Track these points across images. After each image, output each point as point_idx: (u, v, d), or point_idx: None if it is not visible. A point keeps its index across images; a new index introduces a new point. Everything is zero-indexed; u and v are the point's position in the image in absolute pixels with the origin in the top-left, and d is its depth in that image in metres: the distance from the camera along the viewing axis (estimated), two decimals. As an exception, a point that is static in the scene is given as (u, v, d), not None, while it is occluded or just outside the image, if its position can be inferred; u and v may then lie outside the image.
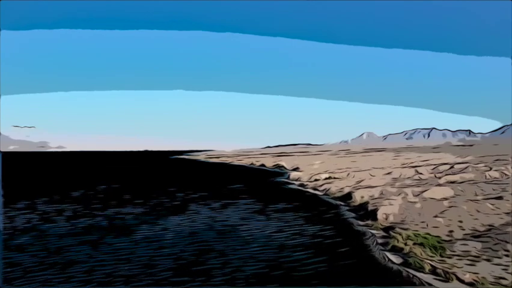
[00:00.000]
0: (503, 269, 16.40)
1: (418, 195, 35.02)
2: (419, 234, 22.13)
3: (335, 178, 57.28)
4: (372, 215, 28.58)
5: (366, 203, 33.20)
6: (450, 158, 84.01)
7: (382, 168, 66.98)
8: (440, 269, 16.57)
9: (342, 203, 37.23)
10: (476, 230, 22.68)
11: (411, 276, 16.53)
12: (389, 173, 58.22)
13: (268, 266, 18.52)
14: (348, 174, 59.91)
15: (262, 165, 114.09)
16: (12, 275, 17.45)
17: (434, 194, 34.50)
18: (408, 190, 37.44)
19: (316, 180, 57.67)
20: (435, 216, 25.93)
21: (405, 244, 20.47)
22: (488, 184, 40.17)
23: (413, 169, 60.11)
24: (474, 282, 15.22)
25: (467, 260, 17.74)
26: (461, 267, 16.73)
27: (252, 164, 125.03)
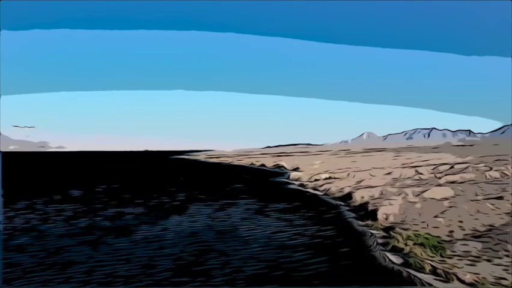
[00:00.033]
0: (503, 269, 16.35)
1: (418, 195, 34.97)
2: (419, 234, 22.08)
3: (335, 178, 57.24)
4: (373, 215, 28.53)
5: (367, 203, 33.15)
6: (450, 158, 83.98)
7: (382, 168, 66.94)
8: (440, 269, 16.53)
9: (342, 203, 37.18)
10: (477, 230, 22.64)
11: (411, 276, 16.49)
12: (389, 173, 58.18)
13: (269, 266, 18.48)
14: (348, 174, 59.86)
15: (263, 165, 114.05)
16: (12, 275, 17.40)
17: (434, 194, 34.45)
18: (408, 190, 37.39)
19: (316, 180, 57.63)
20: (436, 217, 25.89)
21: (406, 244, 20.42)
22: (489, 184, 40.13)
23: (413, 169, 60.07)
24: (475, 282, 15.18)
25: (468, 260, 17.69)
26: (462, 268, 16.69)
27: (252, 164, 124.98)
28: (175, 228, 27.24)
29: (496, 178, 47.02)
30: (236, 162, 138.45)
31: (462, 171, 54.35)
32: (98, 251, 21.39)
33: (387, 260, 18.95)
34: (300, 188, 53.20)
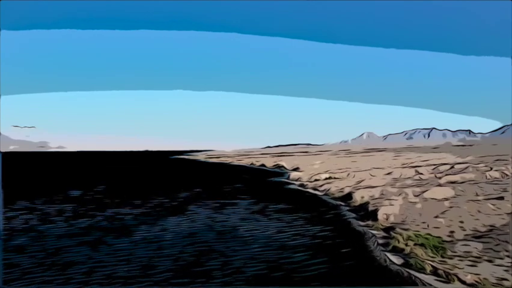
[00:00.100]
0: (505, 270, 16.29)
1: (419, 195, 34.91)
2: (420, 234, 22.02)
3: (335, 178, 57.18)
4: (373, 215, 28.47)
5: (367, 203, 33.09)
6: (450, 158, 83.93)
7: (382, 168, 66.88)
8: (441, 269, 16.46)
9: (342, 203, 37.12)
10: (477, 231, 22.57)
11: (412, 277, 16.42)
12: (389, 173, 58.13)
13: (269, 267, 18.42)
14: (348, 174, 59.80)
15: (263, 165, 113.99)
16: (11, 276, 17.34)
17: (434, 194, 34.39)
18: (408, 190, 37.33)
19: (316, 180, 57.57)
20: (436, 217, 25.82)
21: (406, 245, 20.36)
22: (489, 184, 40.07)
23: (414, 169, 60.01)
24: (475, 283, 15.12)
25: (469, 260, 17.62)
26: (463, 268, 16.62)
27: (252, 164, 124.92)
28: (175, 228, 27.18)
29: (496, 178, 46.96)
30: (236, 162, 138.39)
31: (462, 171, 54.30)
32: (97, 251, 21.33)
33: (387, 260, 18.89)
34: (300, 188, 53.14)
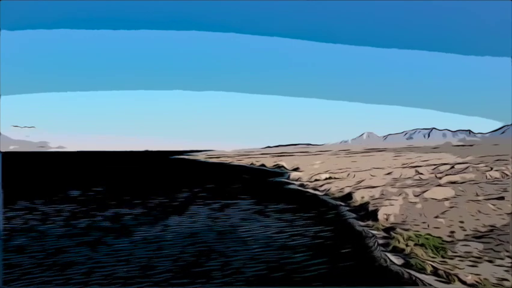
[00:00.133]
0: (505, 271, 16.24)
1: (419, 195, 34.87)
2: (420, 234, 21.97)
3: (335, 178, 57.14)
4: (373, 215, 28.43)
5: (367, 203, 33.05)
6: (450, 158, 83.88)
7: (382, 168, 66.84)
8: (441, 270, 16.42)
9: (342, 204, 37.08)
10: (478, 231, 22.53)
11: (413, 277, 16.38)
12: (389, 173, 58.08)
13: (269, 267, 18.38)
14: (349, 174, 59.77)
15: (263, 165, 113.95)
16: (11, 276, 17.30)
17: (435, 194, 34.34)
18: (408, 190, 37.29)
19: (316, 180, 57.53)
20: (437, 217, 25.78)
21: (407, 245, 20.32)
22: (489, 184, 40.03)
23: (414, 169, 59.97)
24: (476, 283, 15.08)
25: (469, 261, 17.58)
26: (463, 269, 16.57)
27: (252, 164, 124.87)
28: (175, 228, 27.13)
29: (496, 178, 46.92)
30: (236, 162, 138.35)
31: (462, 171, 54.26)
32: (97, 251, 21.29)
33: (388, 260, 18.85)
34: (300, 188, 53.10)
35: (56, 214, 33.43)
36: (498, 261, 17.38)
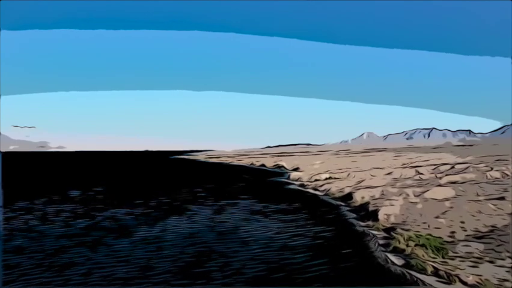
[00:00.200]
0: (506, 271, 16.18)
1: (419, 195, 34.80)
2: (420, 235, 21.91)
3: (335, 178, 57.07)
4: (373, 215, 28.36)
5: (367, 203, 32.98)
6: (450, 158, 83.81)
7: (382, 168, 66.77)
8: (442, 270, 16.36)
9: (342, 204, 37.01)
10: (479, 231, 22.46)
11: (413, 278, 16.31)
12: (389, 173, 58.01)
13: (270, 268, 18.32)
14: (349, 174, 59.69)
15: (263, 165, 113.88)
16: (10, 277, 17.23)
17: (435, 195, 34.27)
18: (409, 190, 37.22)
19: (316, 180, 57.46)
20: (437, 217, 25.71)
21: (407, 245, 20.25)
22: (490, 184, 39.95)
23: (414, 169, 59.89)
24: (477, 284, 15.01)
25: (470, 261, 17.51)
26: (464, 269, 16.51)
27: (252, 164, 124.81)
28: (175, 229, 27.07)
29: (496, 178, 46.84)
30: (236, 162, 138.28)
31: (463, 171, 54.18)
32: (97, 252, 21.22)
33: (388, 261, 18.78)
34: (300, 188, 53.03)
35: (56, 214, 33.37)
36: (499, 262, 17.31)
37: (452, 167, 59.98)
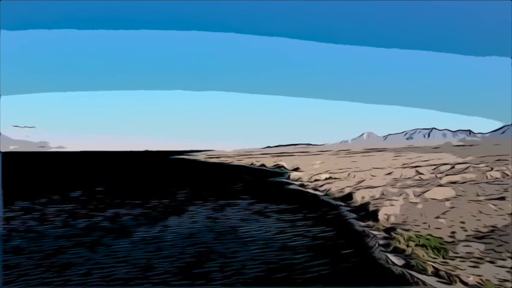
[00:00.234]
0: (507, 271, 16.13)
1: (419, 195, 34.75)
2: (421, 235, 21.86)
3: (335, 178, 57.02)
4: (373, 215, 28.31)
5: (367, 203, 32.94)
6: (450, 158, 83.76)
7: (383, 168, 66.72)
8: (443, 271, 16.31)
9: (342, 204, 36.96)
10: (479, 231, 22.41)
11: (414, 278, 16.27)
12: (389, 173, 57.96)
13: (270, 268, 18.27)
14: (349, 174, 59.65)
15: (263, 165, 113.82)
16: (9, 277, 17.19)
17: (435, 195, 34.23)
18: (409, 190, 37.18)
19: (316, 180, 57.41)
20: (437, 217, 25.67)
21: (407, 245, 20.20)
22: (490, 184, 39.90)
23: (414, 169, 59.85)
24: (478, 284, 14.97)
25: (470, 261, 17.47)
26: (465, 270, 16.47)
27: (252, 164, 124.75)
28: (174, 229, 27.02)
29: (497, 178, 46.80)
30: (236, 162, 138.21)
31: (463, 171, 54.13)
32: (96, 252, 21.17)
33: (389, 261, 18.74)
34: (300, 188, 52.97)
35: (56, 214, 33.31)
36: (500, 262, 17.26)
37: (452, 167, 59.94)
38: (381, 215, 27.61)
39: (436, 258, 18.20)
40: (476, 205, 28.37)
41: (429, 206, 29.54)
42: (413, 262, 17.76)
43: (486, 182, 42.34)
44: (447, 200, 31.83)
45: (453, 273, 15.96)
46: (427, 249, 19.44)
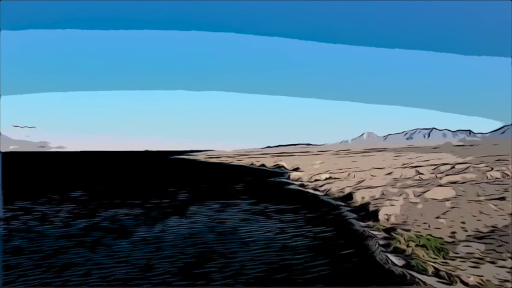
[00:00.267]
0: (507, 272, 16.12)
1: (419, 195, 34.74)
2: (421, 235, 21.85)
3: (335, 178, 57.01)
4: (373, 215, 28.31)
5: (367, 203, 32.93)
6: (450, 158, 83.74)
7: (383, 168, 66.71)
8: (443, 271, 16.30)
9: (342, 204, 36.96)
10: (479, 232, 22.40)
11: (414, 278, 16.25)
12: (389, 173, 57.95)
13: (270, 268, 18.26)
14: (349, 174, 59.63)
15: (263, 165, 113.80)
16: (9, 278, 17.18)
17: (435, 195, 34.22)
18: (409, 190, 37.17)
19: (316, 180, 57.40)
20: (437, 217, 25.65)
21: (408, 246, 20.19)
22: (490, 184, 39.89)
23: (414, 169, 59.84)
24: (478, 285, 14.95)
25: (471, 262, 17.46)
26: (465, 270, 16.45)
27: (252, 164, 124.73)
28: (174, 229, 27.01)
29: (497, 178, 46.79)
30: (236, 162, 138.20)
31: (463, 171, 54.12)
32: (96, 252, 21.16)
33: (389, 261, 18.73)
34: (300, 188, 52.97)
35: (56, 214, 33.31)
36: (500, 262, 17.25)
37: (453, 167, 59.93)
38: (381, 215, 27.60)
39: (436, 259, 18.19)
40: (476, 205, 28.36)
41: (430, 206, 29.53)
42: (413, 262, 17.75)
43: (486, 182, 42.34)
44: (447, 200, 31.83)
45: (453, 273, 15.95)
46: (427, 249, 19.43)
